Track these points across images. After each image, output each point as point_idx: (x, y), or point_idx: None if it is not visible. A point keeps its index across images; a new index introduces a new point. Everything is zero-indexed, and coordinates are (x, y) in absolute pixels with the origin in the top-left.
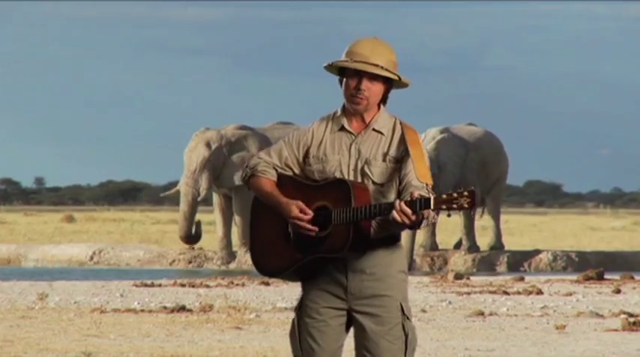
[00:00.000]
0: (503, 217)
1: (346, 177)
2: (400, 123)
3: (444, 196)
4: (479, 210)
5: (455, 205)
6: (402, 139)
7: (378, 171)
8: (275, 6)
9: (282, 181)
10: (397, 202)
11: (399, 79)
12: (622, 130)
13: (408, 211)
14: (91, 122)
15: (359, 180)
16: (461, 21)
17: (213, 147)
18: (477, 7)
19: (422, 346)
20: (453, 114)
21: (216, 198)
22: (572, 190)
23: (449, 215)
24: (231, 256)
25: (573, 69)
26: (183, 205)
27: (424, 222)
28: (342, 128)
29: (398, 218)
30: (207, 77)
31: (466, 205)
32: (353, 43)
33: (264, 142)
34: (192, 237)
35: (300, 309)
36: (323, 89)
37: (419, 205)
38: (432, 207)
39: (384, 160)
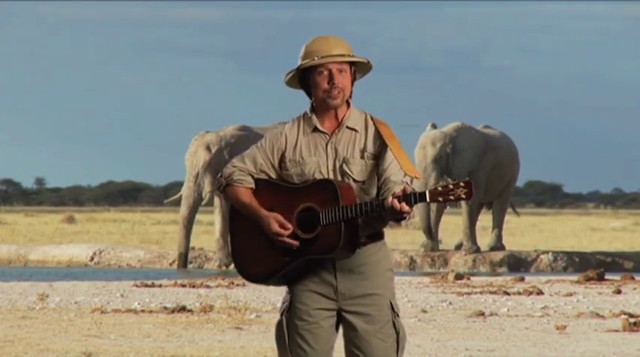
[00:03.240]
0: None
1: (327, 177)
2: (372, 118)
3: (440, 188)
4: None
5: (452, 197)
6: (377, 135)
7: (357, 169)
8: (275, 6)
9: (263, 186)
10: (390, 198)
11: (368, 62)
12: (623, 130)
13: (405, 206)
14: (91, 122)
15: (339, 179)
16: (461, 21)
17: (214, 150)
18: (477, 7)
19: (422, 346)
20: (453, 114)
21: (217, 199)
22: (572, 191)
23: (470, 219)
24: (228, 257)
25: (573, 69)
26: (184, 210)
27: (407, 217)
28: (316, 129)
29: (391, 213)
30: (207, 77)
31: (463, 196)
32: (306, 44)
33: None
34: (187, 257)
35: (289, 311)
36: None
37: (413, 199)
38: (427, 200)
39: (362, 157)
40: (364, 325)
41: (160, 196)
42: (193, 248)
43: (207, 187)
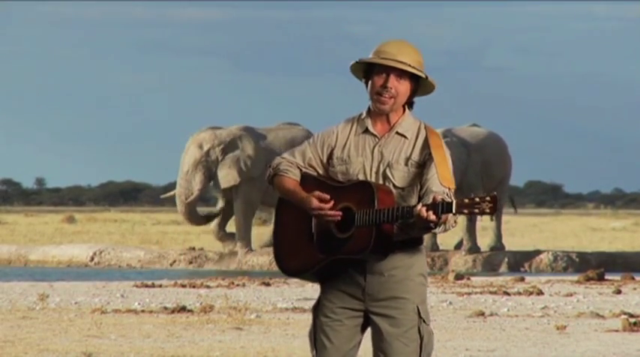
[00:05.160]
0: (503, 218)
1: (369, 180)
2: (425, 127)
3: (466, 200)
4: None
5: (477, 210)
6: (426, 144)
7: (399, 175)
8: (275, 6)
9: (307, 180)
10: (419, 206)
11: (427, 77)
12: (623, 130)
13: (431, 215)
14: (91, 122)
15: (381, 183)
16: (461, 21)
17: (206, 148)
18: (477, 7)
19: None
20: (453, 114)
21: (219, 200)
22: (572, 191)
23: (470, 219)
24: (228, 237)
25: (573, 69)
26: (179, 206)
27: (443, 226)
28: (367, 130)
29: (419, 221)
30: (207, 77)
31: (488, 210)
32: (381, 43)
33: (262, 143)
34: (196, 216)
35: (318, 308)
36: (323, 89)
37: (441, 208)
38: (453, 211)
39: (406, 164)
40: (388, 327)
41: (160, 198)
42: (194, 248)
43: (197, 185)
